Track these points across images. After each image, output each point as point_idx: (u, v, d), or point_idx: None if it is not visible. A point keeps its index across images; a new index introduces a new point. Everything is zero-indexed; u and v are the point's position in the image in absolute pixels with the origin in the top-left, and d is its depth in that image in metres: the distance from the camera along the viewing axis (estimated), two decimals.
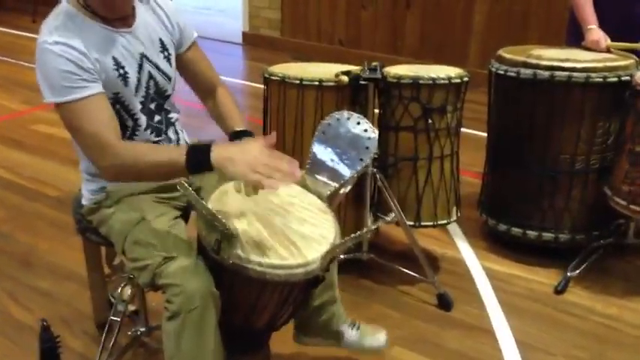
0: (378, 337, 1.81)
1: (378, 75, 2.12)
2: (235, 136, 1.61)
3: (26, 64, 5.14)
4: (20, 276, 2.31)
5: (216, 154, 1.32)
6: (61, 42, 1.41)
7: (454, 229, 2.67)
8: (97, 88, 1.44)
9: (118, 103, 1.53)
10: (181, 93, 1.81)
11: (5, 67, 5.23)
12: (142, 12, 1.59)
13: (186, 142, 1.73)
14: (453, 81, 2.13)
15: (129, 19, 1.55)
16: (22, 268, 2.37)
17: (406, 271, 2.28)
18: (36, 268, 2.37)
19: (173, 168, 1.37)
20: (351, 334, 1.78)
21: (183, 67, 1.71)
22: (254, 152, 1.30)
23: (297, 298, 1.37)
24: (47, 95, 1.44)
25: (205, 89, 1.75)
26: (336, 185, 1.61)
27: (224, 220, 1.28)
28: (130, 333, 1.86)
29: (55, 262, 2.40)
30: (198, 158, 1.33)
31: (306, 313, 1.71)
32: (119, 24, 1.53)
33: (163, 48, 1.62)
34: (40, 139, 3.64)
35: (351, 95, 2.16)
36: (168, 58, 1.63)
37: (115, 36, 1.51)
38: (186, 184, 1.27)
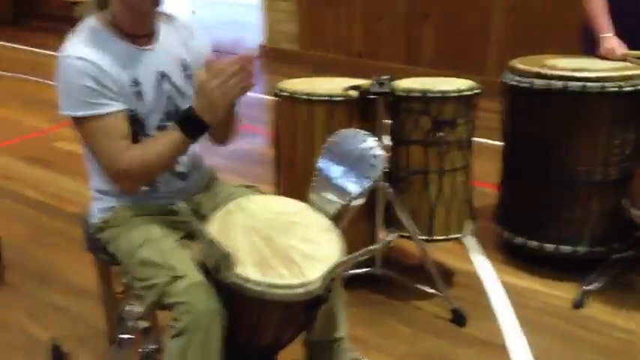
0: None
1: (387, 89, 2.11)
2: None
3: (50, 82, 5.25)
4: (37, 292, 2.35)
5: (198, 109, 1.41)
6: (83, 57, 1.45)
7: (469, 242, 2.63)
8: (116, 106, 1.48)
9: (134, 119, 1.54)
10: None
11: (32, 85, 5.36)
12: (164, 32, 1.61)
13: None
14: (463, 93, 2.11)
15: (152, 37, 1.58)
16: (39, 284, 2.41)
17: (419, 285, 2.25)
18: (53, 285, 2.40)
19: (177, 146, 1.46)
20: None
21: None
22: (210, 84, 1.38)
23: (300, 317, 1.36)
24: (65, 108, 1.48)
25: None
26: (342, 203, 1.60)
27: (222, 242, 1.28)
28: (140, 350, 1.86)
29: (72, 278, 2.43)
30: (191, 124, 1.42)
31: (310, 346, 1.69)
32: (142, 42, 1.56)
33: (185, 67, 1.63)
34: (62, 156, 3.72)
35: (361, 110, 2.16)
36: (189, 77, 1.63)
37: (137, 52, 1.54)
38: (184, 207, 1.28)
